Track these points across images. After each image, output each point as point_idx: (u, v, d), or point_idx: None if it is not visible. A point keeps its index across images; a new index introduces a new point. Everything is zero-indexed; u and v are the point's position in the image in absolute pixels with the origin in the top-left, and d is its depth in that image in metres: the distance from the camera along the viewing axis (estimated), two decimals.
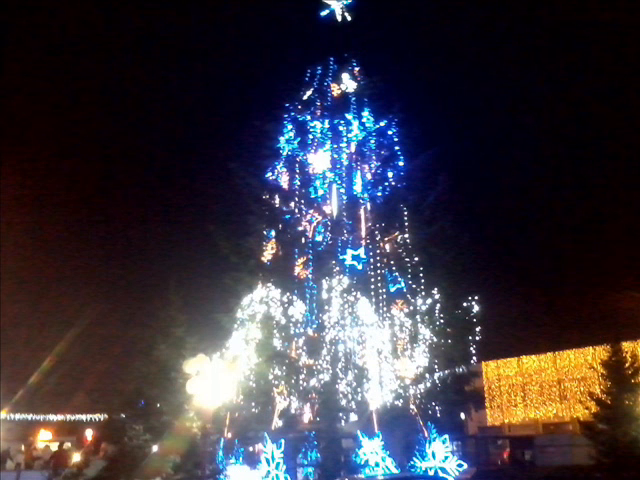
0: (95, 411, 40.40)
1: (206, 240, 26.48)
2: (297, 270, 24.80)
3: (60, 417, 43.09)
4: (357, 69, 28.62)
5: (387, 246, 25.39)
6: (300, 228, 25.31)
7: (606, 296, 39.18)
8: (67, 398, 45.44)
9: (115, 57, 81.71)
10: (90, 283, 57.30)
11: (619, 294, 37.05)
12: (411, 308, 23.96)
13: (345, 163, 25.99)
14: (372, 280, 23.82)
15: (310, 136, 26.52)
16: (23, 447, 33.26)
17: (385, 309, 23.65)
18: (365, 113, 27.18)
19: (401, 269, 24.55)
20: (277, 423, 23.30)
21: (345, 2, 28.92)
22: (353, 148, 26.61)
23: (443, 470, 21.49)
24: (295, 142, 26.52)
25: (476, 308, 23.94)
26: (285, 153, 26.44)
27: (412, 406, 23.16)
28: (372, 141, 26.70)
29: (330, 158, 26.02)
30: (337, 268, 23.59)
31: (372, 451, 20.87)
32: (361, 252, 24.51)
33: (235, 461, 22.03)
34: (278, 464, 20.76)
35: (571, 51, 74.66)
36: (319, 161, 26.23)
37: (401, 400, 22.80)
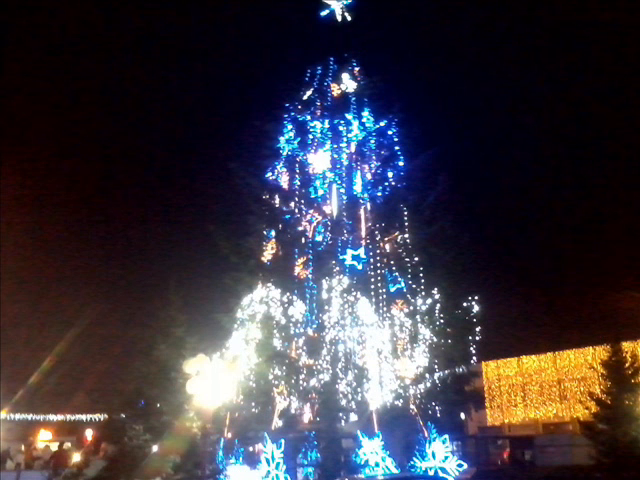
0: (95, 411, 40.41)
1: (206, 240, 26.52)
2: (297, 270, 24.80)
3: (60, 417, 43.07)
4: (357, 69, 28.63)
5: (387, 246, 25.39)
6: (300, 228, 25.31)
7: (606, 296, 39.20)
8: (67, 398, 45.48)
9: (115, 57, 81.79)
10: (90, 283, 57.33)
11: (619, 294, 37.06)
12: (411, 308, 23.96)
13: (345, 163, 25.99)
14: (372, 280, 23.82)
15: (310, 136, 26.52)
16: (23, 447, 33.26)
17: (385, 309, 23.65)
18: (365, 113, 27.18)
19: (401, 269, 24.55)
20: (277, 423, 23.30)
21: (345, 2, 28.93)
22: (353, 148, 26.61)
23: (443, 470, 21.49)
24: (295, 142, 26.52)
25: (476, 308, 23.94)
26: (285, 153, 26.44)
27: (412, 406, 23.16)
28: (372, 141, 26.70)
29: (330, 158, 26.02)
30: (337, 268, 23.59)
31: (372, 451, 20.87)
32: (361, 252, 24.50)
33: (235, 461, 22.03)
34: (278, 464, 20.76)
35: (571, 51, 74.71)
36: (319, 161, 26.23)
37: (401, 400, 22.80)
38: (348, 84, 28.19)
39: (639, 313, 34.84)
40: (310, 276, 24.02)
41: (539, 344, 40.40)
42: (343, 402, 22.00)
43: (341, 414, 22.22)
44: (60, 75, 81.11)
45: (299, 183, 25.75)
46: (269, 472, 20.72)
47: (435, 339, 23.44)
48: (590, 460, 21.63)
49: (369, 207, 25.77)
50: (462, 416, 27.79)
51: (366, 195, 25.58)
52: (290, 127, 26.77)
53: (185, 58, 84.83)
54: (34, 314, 46.10)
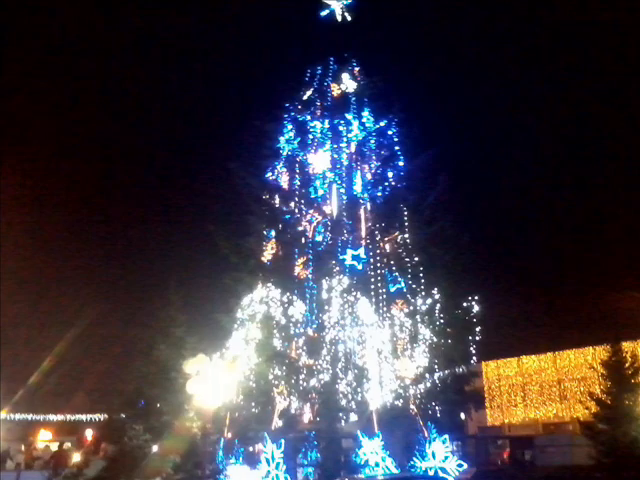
0: (95, 411, 40.48)
1: (206, 240, 26.56)
2: (297, 270, 24.79)
3: (60, 417, 43.07)
4: (357, 69, 28.63)
5: (387, 246, 25.39)
6: (300, 228, 25.30)
7: (606, 296, 39.21)
8: (67, 398, 45.60)
9: (115, 57, 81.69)
10: (90, 283, 57.28)
11: (619, 294, 37.07)
12: (411, 308, 23.95)
13: (345, 163, 25.99)
14: (372, 280, 23.80)
15: (310, 136, 26.51)
16: (23, 447, 33.31)
17: (385, 309, 23.64)
18: (365, 113, 27.16)
19: (401, 269, 24.54)
20: (277, 423, 23.29)
21: (345, 2, 28.93)
22: (353, 148, 26.60)
23: (443, 470, 21.49)
24: (295, 142, 26.52)
25: (476, 308, 23.93)
26: (285, 153, 26.44)
27: (412, 406, 23.16)
28: (372, 141, 26.70)
29: (330, 158, 26.01)
30: (337, 268, 23.58)
31: (372, 451, 20.88)
32: (361, 252, 24.49)
33: (235, 461, 22.03)
34: (278, 464, 20.76)
35: (571, 51, 74.63)
36: (319, 161, 26.23)
37: (401, 400, 22.79)
38: (348, 84, 28.18)
39: (639, 313, 34.85)
40: (310, 276, 24.01)
41: (539, 344, 40.45)
42: (343, 402, 21.99)
43: (341, 414, 22.20)
44: (60, 75, 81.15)
45: (299, 183, 25.73)
46: (269, 472, 20.71)
47: (435, 339, 23.43)
48: (590, 460, 21.65)
49: (369, 207, 25.76)
50: (462, 416, 27.74)
51: (366, 195, 25.57)
52: (290, 127, 26.77)
53: (185, 58, 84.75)
54: (34, 314, 46.22)
